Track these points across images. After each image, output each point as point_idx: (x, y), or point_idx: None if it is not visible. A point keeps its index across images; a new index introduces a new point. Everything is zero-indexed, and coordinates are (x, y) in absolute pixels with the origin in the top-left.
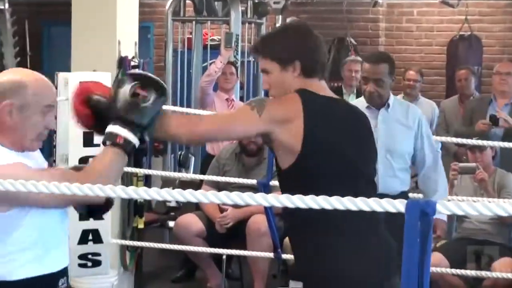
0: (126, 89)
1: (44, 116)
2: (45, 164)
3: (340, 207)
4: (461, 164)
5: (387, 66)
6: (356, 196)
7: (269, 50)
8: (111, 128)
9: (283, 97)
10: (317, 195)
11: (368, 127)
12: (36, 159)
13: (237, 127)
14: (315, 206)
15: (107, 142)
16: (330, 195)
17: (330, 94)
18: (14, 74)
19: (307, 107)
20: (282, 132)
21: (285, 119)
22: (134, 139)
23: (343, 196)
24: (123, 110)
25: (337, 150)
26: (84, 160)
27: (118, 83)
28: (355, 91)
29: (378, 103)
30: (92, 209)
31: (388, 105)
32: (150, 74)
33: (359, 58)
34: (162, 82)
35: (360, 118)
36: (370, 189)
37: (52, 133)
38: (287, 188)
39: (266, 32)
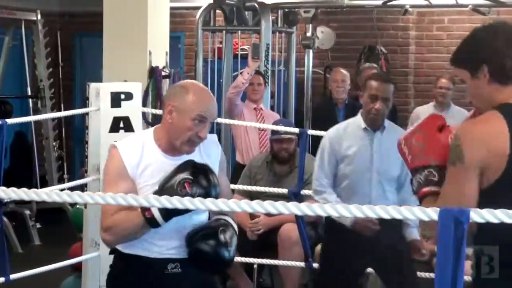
0: (178, 177)
1: (196, 124)
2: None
3: (371, 215)
4: None
5: (393, 87)
6: None
7: (458, 57)
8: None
9: (483, 121)
10: None
11: None
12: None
13: (461, 198)
14: (347, 214)
15: (139, 209)
16: None
17: None
18: (185, 83)
19: (510, 126)
20: (488, 160)
21: (488, 145)
22: (159, 219)
23: None
24: (165, 193)
25: None
26: None
27: (179, 168)
28: None
29: (379, 124)
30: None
31: (384, 128)
32: (211, 171)
33: (375, 65)
34: (215, 183)
35: None
36: None
37: (84, 144)
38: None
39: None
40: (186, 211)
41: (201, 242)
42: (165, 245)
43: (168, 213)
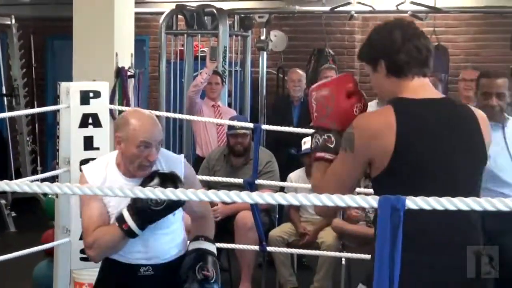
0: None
1: (142, 150)
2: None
3: (317, 203)
4: None
5: (505, 80)
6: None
7: (361, 52)
8: (124, 212)
9: (375, 114)
10: None
11: (473, 130)
12: None
13: (345, 179)
14: (295, 203)
15: (116, 223)
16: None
17: (430, 94)
18: (126, 113)
19: (399, 122)
20: (375, 153)
21: (375, 141)
22: (136, 229)
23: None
24: (139, 207)
25: (425, 165)
26: (84, 162)
27: (147, 178)
28: None
29: (501, 118)
30: None
31: (508, 119)
32: (177, 179)
33: (333, 66)
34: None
35: (465, 120)
36: None
37: (55, 138)
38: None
39: None
40: (158, 218)
41: (187, 286)
42: (133, 256)
43: (143, 222)
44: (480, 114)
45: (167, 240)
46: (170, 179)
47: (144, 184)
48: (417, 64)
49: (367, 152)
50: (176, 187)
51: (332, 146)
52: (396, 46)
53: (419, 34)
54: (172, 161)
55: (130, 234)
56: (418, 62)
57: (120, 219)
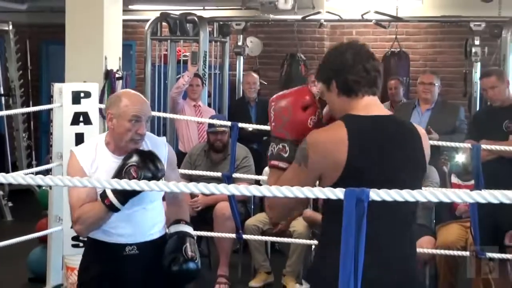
0: (125, 164)
1: (134, 124)
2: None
3: (290, 195)
4: None
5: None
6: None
7: (318, 73)
8: (107, 189)
9: (328, 130)
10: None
11: (416, 144)
12: None
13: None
14: (269, 194)
15: (99, 198)
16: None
17: (378, 111)
18: (118, 92)
19: (351, 138)
20: (327, 168)
21: (328, 157)
22: (118, 204)
23: (379, 221)
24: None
25: (372, 178)
26: None
27: (126, 156)
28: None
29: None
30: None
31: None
32: (155, 157)
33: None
34: (160, 166)
35: (408, 136)
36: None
37: (49, 135)
38: (325, 204)
39: None
40: (137, 193)
41: (174, 266)
42: (118, 233)
43: (124, 198)
44: (421, 131)
45: (151, 216)
46: (148, 157)
47: (124, 160)
48: (366, 84)
49: (320, 167)
50: (154, 164)
51: (285, 155)
52: (346, 67)
53: (369, 56)
54: (157, 143)
55: (112, 208)
56: (367, 82)
57: (103, 195)
